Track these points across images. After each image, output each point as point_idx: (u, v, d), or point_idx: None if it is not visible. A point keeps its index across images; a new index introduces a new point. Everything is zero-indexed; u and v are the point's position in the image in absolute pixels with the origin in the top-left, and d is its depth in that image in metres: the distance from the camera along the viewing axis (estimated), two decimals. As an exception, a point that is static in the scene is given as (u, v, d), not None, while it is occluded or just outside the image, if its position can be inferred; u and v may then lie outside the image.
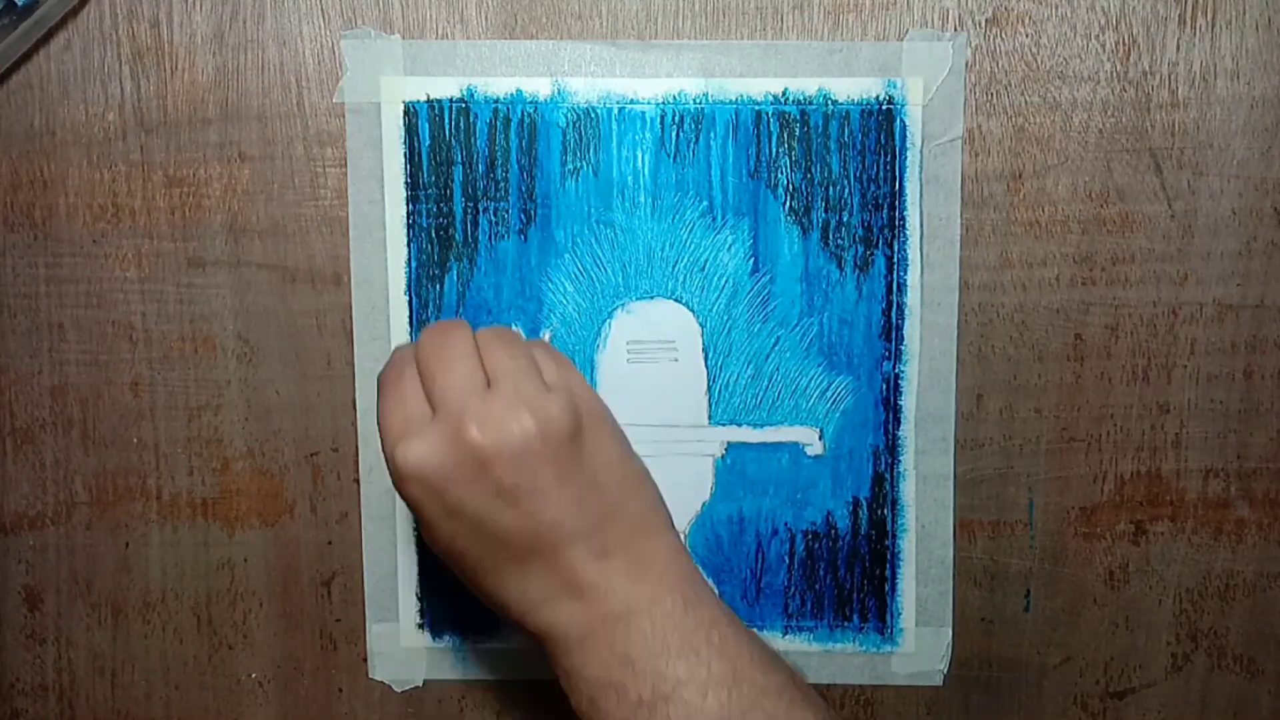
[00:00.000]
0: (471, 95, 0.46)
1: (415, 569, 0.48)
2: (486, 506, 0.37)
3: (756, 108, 0.46)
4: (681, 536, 0.48)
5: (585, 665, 0.38)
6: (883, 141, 0.46)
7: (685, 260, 0.47)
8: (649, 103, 0.46)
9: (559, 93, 0.46)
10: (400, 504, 0.48)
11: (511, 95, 0.46)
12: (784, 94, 0.46)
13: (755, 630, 0.48)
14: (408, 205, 0.47)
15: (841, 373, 0.47)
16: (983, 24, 0.46)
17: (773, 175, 0.46)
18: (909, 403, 0.47)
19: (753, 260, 0.47)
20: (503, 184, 0.47)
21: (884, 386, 0.47)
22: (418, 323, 0.47)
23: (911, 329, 0.47)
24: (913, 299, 0.47)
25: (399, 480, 0.38)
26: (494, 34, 0.46)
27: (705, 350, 0.47)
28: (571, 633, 0.38)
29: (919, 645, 0.48)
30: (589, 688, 0.38)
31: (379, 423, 0.39)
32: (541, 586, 0.38)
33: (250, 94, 0.47)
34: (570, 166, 0.46)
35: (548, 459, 0.37)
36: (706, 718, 0.36)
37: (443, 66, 0.46)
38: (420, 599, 0.49)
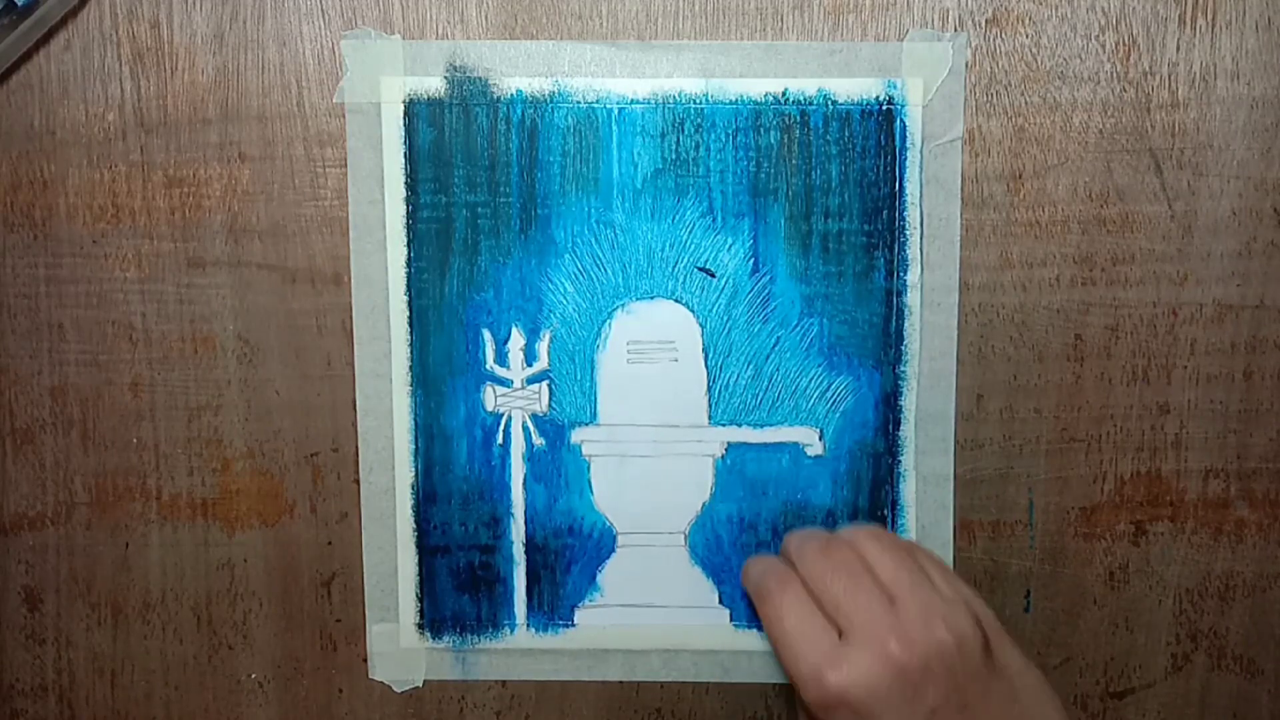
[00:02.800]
0: (472, 95, 0.46)
1: (415, 569, 0.48)
2: None
3: (756, 108, 0.46)
4: (682, 537, 0.48)
5: None
6: (883, 142, 0.46)
7: (685, 260, 0.47)
8: (649, 103, 0.46)
9: (559, 93, 0.46)
10: (400, 504, 0.48)
11: (512, 95, 0.46)
12: (784, 94, 0.46)
13: (755, 632, 0.48)
14: (408, 205, 0.47)
15: (841, 373, 0.47)
16: (983, 24, 0.46)
17: (773, 176, 0.46)
18: (909, 403, 0.47)
19: (753, 260, 0.47)
20: (503, 184, 0.47)
21: (884, 386, 0.47)
22: (418, 323, 0.47)
23: (911, 329, 0.47)
24: (913, 299, 0.47)
25: (824, 708, 0.38)
26: (494, 34, 0.46)
27: (705, 350, 0.47)
28: None
29: (919, 645, 0.48)
30: None
31: (782, 649, 0.39)
32: None
33: (250, 94, 0.47)
34: (570, 167, 0.46)
35: (970, 674, 0.38)
36: None
37: (443, 67, 0.46)
38: (420, 599, 0.49)
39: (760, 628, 0.48)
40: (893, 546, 0.41)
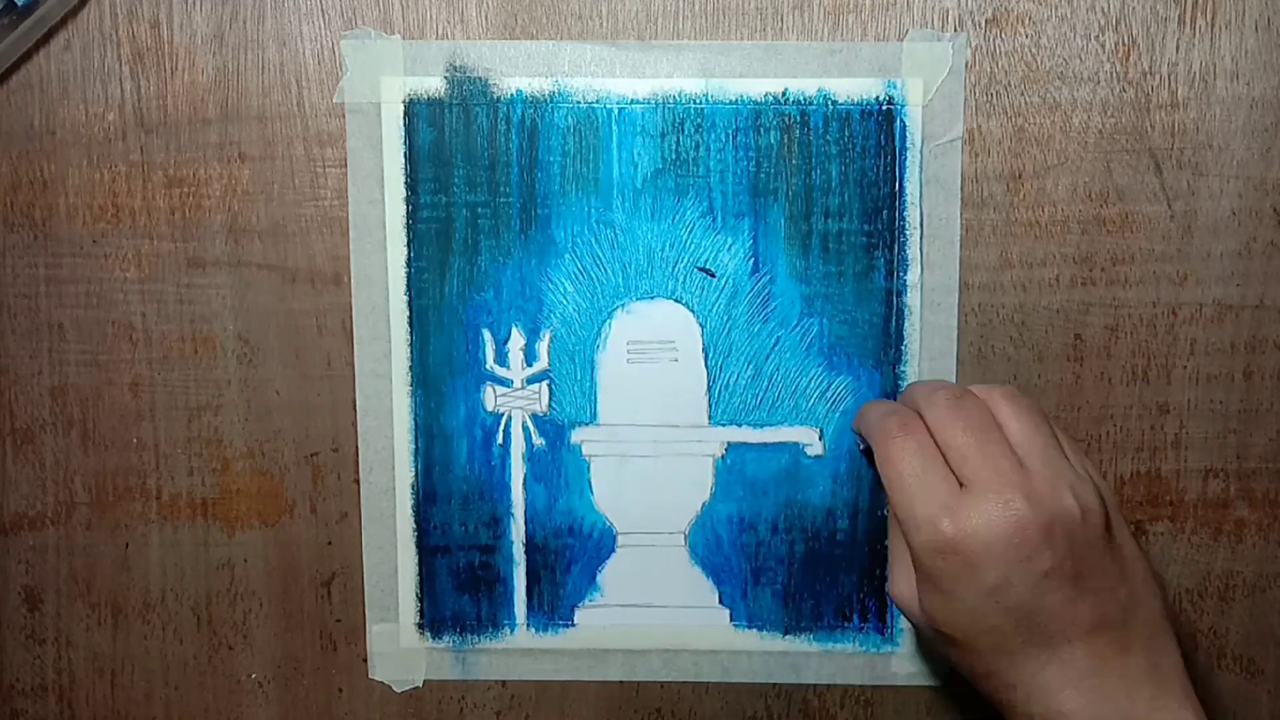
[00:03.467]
0: (472, 95, 0.46)
1: (415, 569, 0.48)
2: (1031, 586, 0.37)
3: (756, 108, 0.46)
4: (682, 537, 0.48)
5: None
6: (883, 142, 0.46)
7: (685, 260, 0.47)
8: (649, 103, 0.46)
9: (559, 93, 0.46)
10: (400, 504, 0.48)
11: (512, 95, 0.46)
12: (784, 94, 0.46)
13: (755, 632, 0.48)
14: (408, 205, 0.47)
15: (841, 373, 0.47)
16: (983, 24, 0.46)
17: (773, 176, 0.46)
18: (909, 403, 0.47)
19: (753, 260, 0.47)
20: (503, 184, 0.47)
21: (884, 386, 0.47)
22: (418, 323, 0.47)
23: (911, 329, 0.47)
24: (913, 299, 0.47)
25: (935, 553, 0.37)
26: (494, 34, 0.46)
27: (705, 350, 0.47)
28: None
29: (919, 645, 0.48)
30: None
31: (898, 491, 0.38)
32: (1059, 673, 0.38)
33: (250, 94, 0.47)
34: (570, 167, 0.46)
35: (1090, 544, 0.38)
36: None
37: (443, 67, 0.46)
38: (420, 599, 0.49)
39: (759, 628, 0.48)
40: (1028, 410, 0.40)
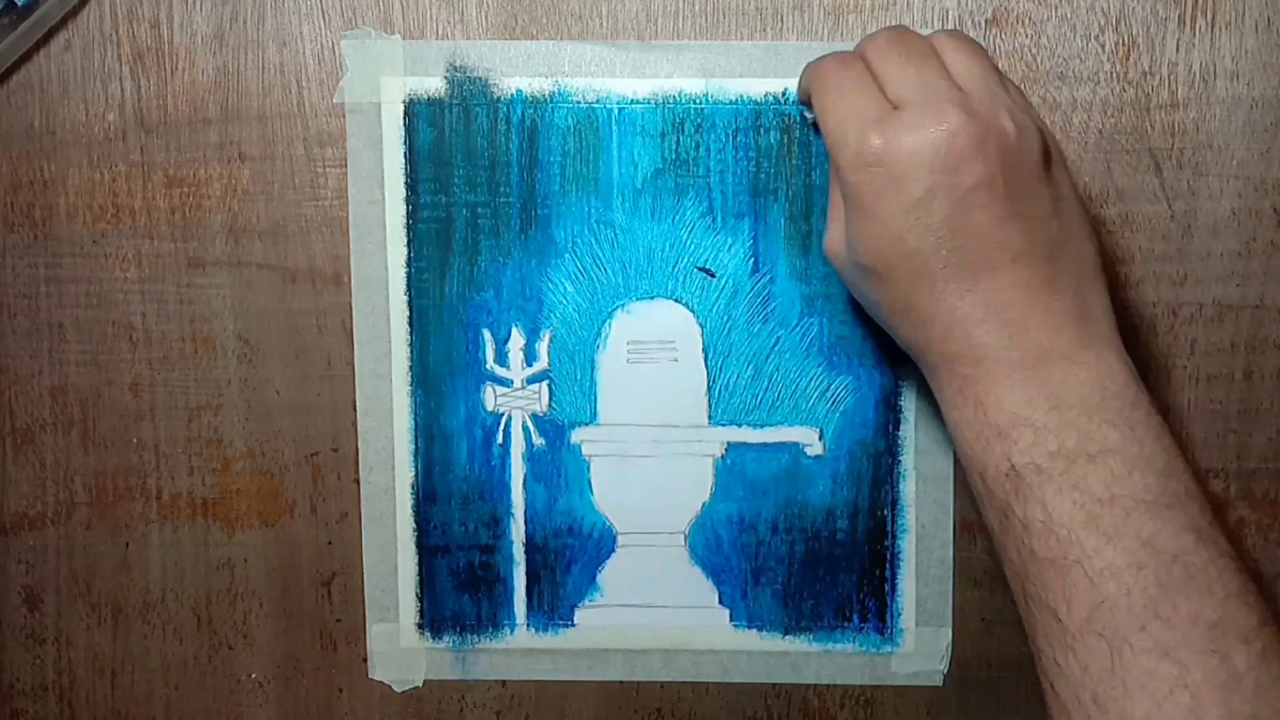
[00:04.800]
0: (472, 95, 0.46)
1: (415, 569, 0.48)
2: (957, 200, 0.35)
3: (756, 108, 0.46)
4: (682, 537, 0.48)
5: (1005, 397, 0.36)
6: (883, 142, 0.46)
7: (685, 260, 0.47)
8: (649, 103, 0.46)
9: (559, 93, 0.46)
10: (400, 504, 0.48)
11: (512, 95, 0.46)
12: (784, 94, 0.46)
13: (755, 632, 0.48)
14: (408, 205, 0.47)
15: (841, 373, 0.47)
16: (983, 24, 0.46)
17: (773, 176, 0.46)
18: (909, 403, 0.47)
19: (753, 260, 0.47)
20: (503, 184, 0.47)
21: (884, 387, 0.47)
22: (418, 323, 0.47)
23: (911, 329, 0.47)
24: (913, 299, 0.47)
25: (867, 164, 0.36)
26: (494, 34, 0.46)
27: (705, 350, 0.47)
28: (1001, 358, 0.36)
29: (919, 645, 0.48)
30: (1002, 420, 0.36)
31: (829, 115, 0.37)
32: (979, 304, 0.36)
33: (250, 94, 0.47)
34: (570, 167, 0.46)
35: (1023, 167, 0.36)
36: (1130, 494, 0.34)
37: (443, 67, 0.46)
38: (420, 599, 0.49)
39: (759, 628, 0.48)
40: (970, 45, 0.38)
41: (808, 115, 0.45)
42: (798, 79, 0.43)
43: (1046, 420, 0.35)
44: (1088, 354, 0.36)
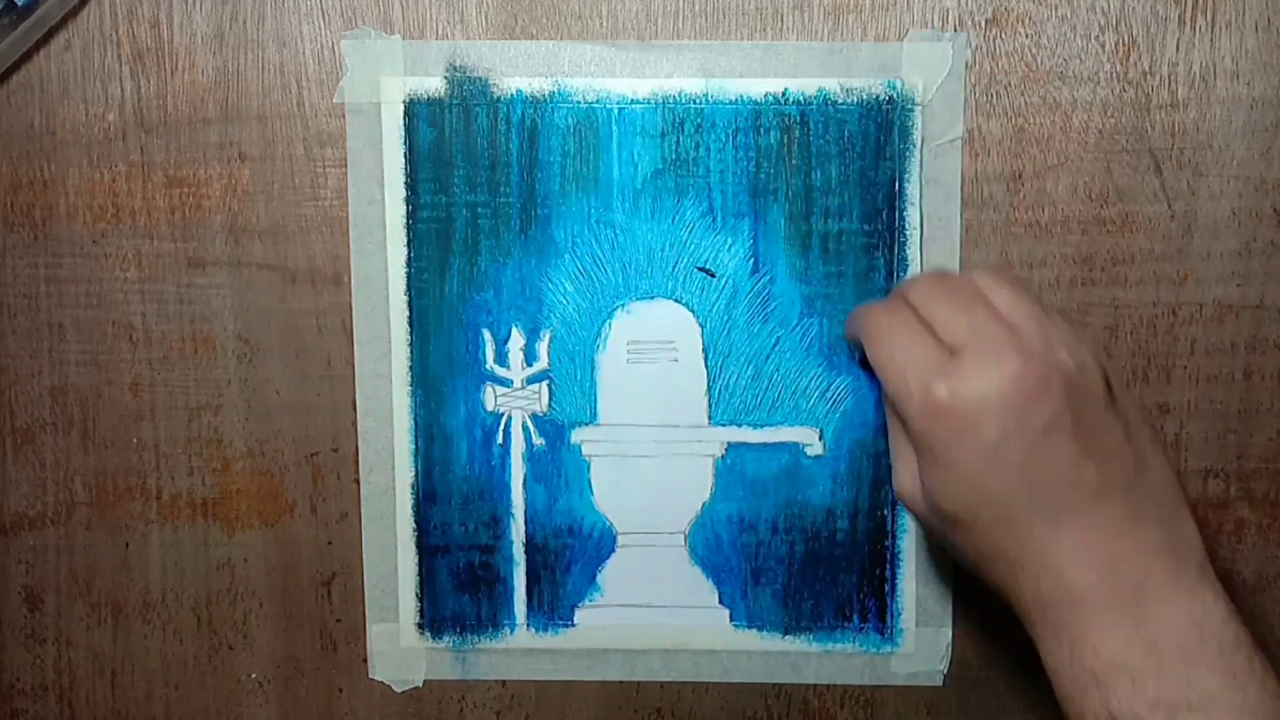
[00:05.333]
0: (472, 95, 0.46)
1: (415, 569, 0.48)
2: (1030, 443, 0.35)
3: (756, 108, 0.46)
4: (682, 537, 0.48)
5: (1101, 642, 0.34)
6: (883, 142, 0.46)
7: (685, 260, 0.47)
8: (649, 103, 0.46)
9: (559, 93, 0.46)
10: (400, 504, 0.48)
11: (512, 95, 0.46)
12: (784, 94, 0.46)
13: (755, 632, 0.48)
14: (408, 205, 0.47)
15: (841, 373, 0.47)
16: (983, 24, 0.46)
17: (773, 176, 0.46)
18: (909, 403, 0.47)
19: (753, 260, 0.47)
20: (503, 184, 0.47)
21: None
22: (418, 323, 0.47)
23: (911, 329, 0.47)
24: (913, 299, 0.47)
25: (929, 418, 0.35)
26: (494, 34, 0.46)
27: (705, 350, 0.47)
28: (1094, 601, 0.35)
29: (919, 645, 0.48)
30: (1099, 666, 0.34)
31: (887, 366, 0.37)
32: (1068, 546, 0.35)
33: (250, 94, 0.47)
34: (570, 167, 0.46)
35: (1090, 399, 0.36)
36: None
37: (443, 67, 0.46)
38: (420, 599, 0.49)
39: (759, 628, 0.48)
40: (1013, 281, 0.38)
41: (855, 355, 0.46)
42: (845, 326, 0.44)
43: (1144, 666, 0.34)
44: (1181, 591, 0.35)
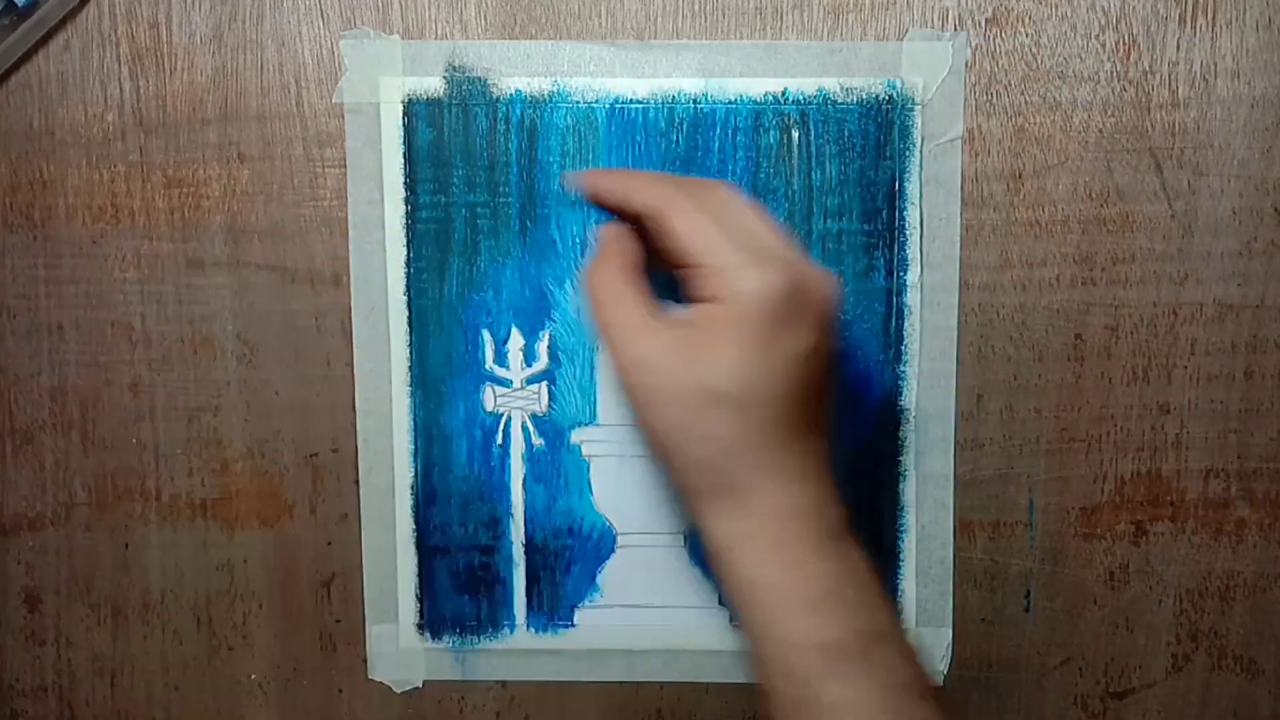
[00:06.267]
0: (471, 95, 0.46)
1: (415, 569, 0.48)
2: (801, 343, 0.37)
3: (756, 108, 0.46)
4: (681, 538, 0.48)
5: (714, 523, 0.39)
6: (882, 141, 0.46)
7: (685, 260, 0.47)
8: (649, 103, 0.46)
9: (558, 93, 0.46)
10: (400, 505, 0.48)
11: (511, 95, 0.46)
12: (784, 94, 0.46)
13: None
14: (407, 205, 0.47)
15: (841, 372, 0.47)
16: (983, 24, 0.46)
17: (773, 176, 0.46)
18: (909, 403, 0.47)
19: (752, 260, 0.47)
20: (502, 184, 0.47)
21: (884, 386, 0.47)
22: (417, 323, 0.47)
23: (911, 329, 0.47)
24: (913, 299, 0.46)
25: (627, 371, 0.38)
26: (494, 34, 0.46)
27: (705, 350, 0.47)
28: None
29: (919, 645, 0.48)
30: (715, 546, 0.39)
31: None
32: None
33: (250, 94, 0.47)
34: (570, 167, 0.46)
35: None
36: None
37: (442, 67, 0.46)
38: (420, 600, 0.49)
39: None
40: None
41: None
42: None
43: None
44: (790, 491, 0.39)
